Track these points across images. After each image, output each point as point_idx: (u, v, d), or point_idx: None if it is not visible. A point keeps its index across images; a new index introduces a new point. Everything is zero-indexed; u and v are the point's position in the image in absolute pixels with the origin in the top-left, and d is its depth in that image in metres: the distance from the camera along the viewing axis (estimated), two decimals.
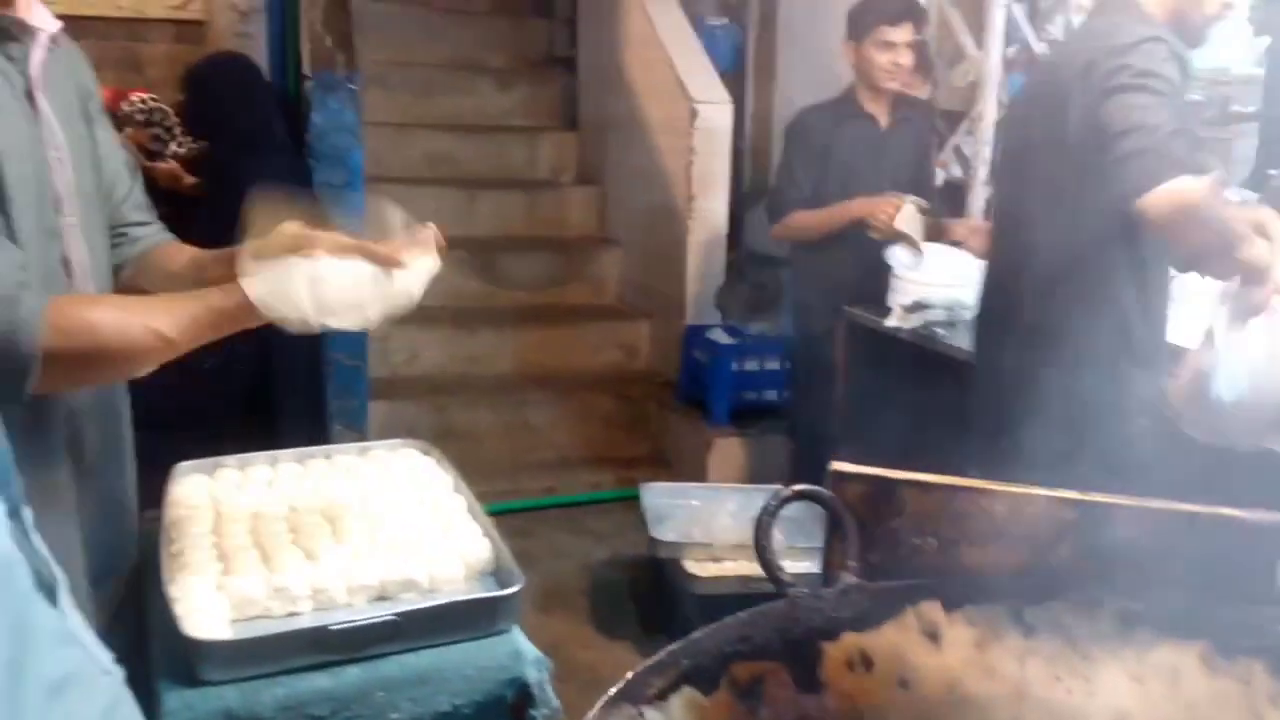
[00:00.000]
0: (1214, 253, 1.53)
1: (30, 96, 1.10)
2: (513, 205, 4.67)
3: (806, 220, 2.95)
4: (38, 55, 1.10)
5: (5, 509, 0.55)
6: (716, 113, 3.95)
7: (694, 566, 2.42)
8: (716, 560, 2.45)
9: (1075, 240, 1.85)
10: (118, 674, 0.66)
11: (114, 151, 1.30)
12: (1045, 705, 0.95)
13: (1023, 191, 1.97)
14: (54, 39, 1.14)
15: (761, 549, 0.99)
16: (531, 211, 4.70)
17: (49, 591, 0.58)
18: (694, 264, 4.01)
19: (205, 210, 2.56)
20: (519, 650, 1.13)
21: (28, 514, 0.59)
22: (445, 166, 4.68)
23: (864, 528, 1.02)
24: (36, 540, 0.59)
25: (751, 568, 2.41)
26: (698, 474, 3.66)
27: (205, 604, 1.11)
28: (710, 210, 3.99)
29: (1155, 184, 1.60)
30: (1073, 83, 1.80)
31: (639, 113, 4.38)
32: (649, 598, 2.77)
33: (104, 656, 0.65)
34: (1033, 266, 1.92)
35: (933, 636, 0.97)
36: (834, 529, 1.04)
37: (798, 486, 1.02)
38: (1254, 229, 1.50)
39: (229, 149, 2.66)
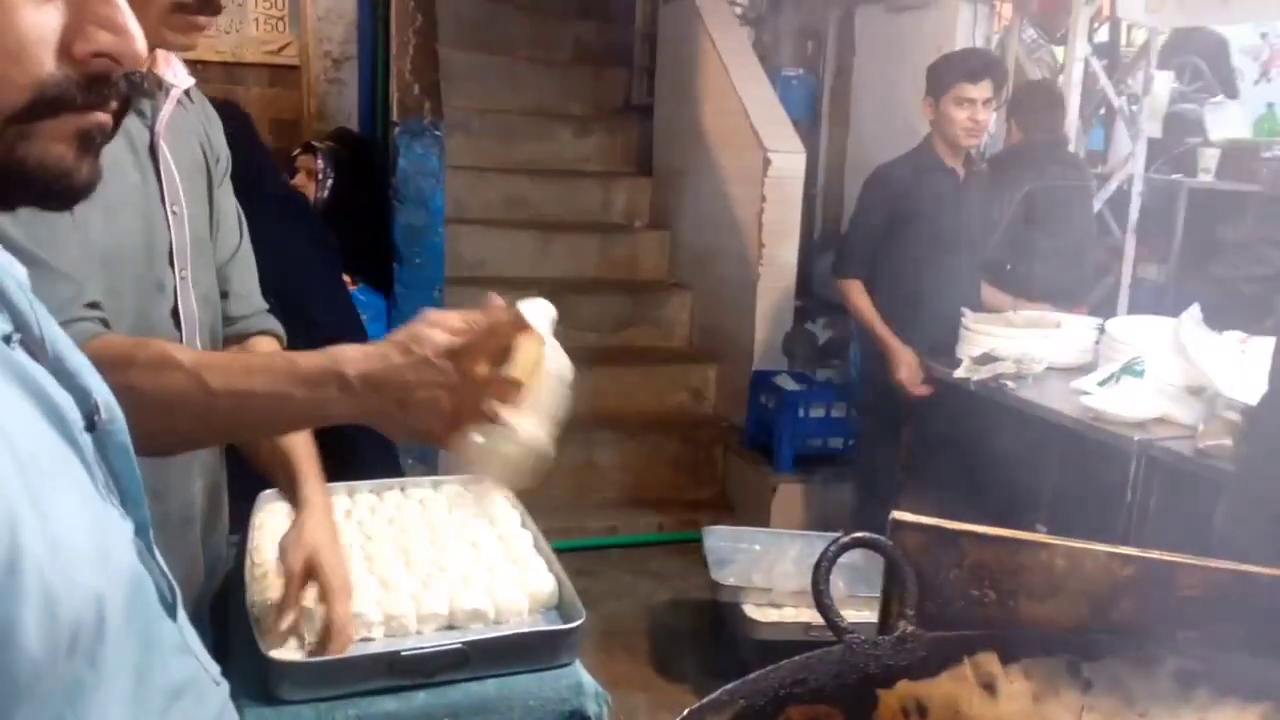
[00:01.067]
0: None
1: (153, 150, 1.13)
2: (586, 248, 4.76)
3: (858, 304, 3.00)
4: (166, 110, 1.14)
5: (133, 527, 0.61)
6: (789, 161, 4.00)
7: (754, 611, 2.43)
8: (777, 606, 2.45)
9: None
10: (225, 686, 0.71)
11: (227, 217, 1.31)
12: None
13: None
14: (187, 93, 1.19)
15: (819, 594, 1.01)
16: (604, 254, 4.78)
17: (169, 606, 0.64)
18: (763, 310, 4.04)
19: None
20: (580, 683, 1.16)
21: (151, 534, 0.64)
22: (522, 209, 4.80)
23: (922, 577, 1.04)
24: (159, 558, 0.64)
25: (812, 614, 2.41)
26: (760, 519, 3.66)
27: (285, 626, 1.17)
28: (780, 257, 4.03)
29: None
30: None
31: (713, 160, 4.45)
32: (709, 641, 2.78)
33: (214, 668, 0.70)
34: None
35: (989, 688, 0.98)
36: (892, 577, 1.06)
37: (857, 534, 1.04)
38: None
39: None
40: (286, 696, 1.11)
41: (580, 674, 1.18)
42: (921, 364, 2.82)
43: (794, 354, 3.87)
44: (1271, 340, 1.61)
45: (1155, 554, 1.01)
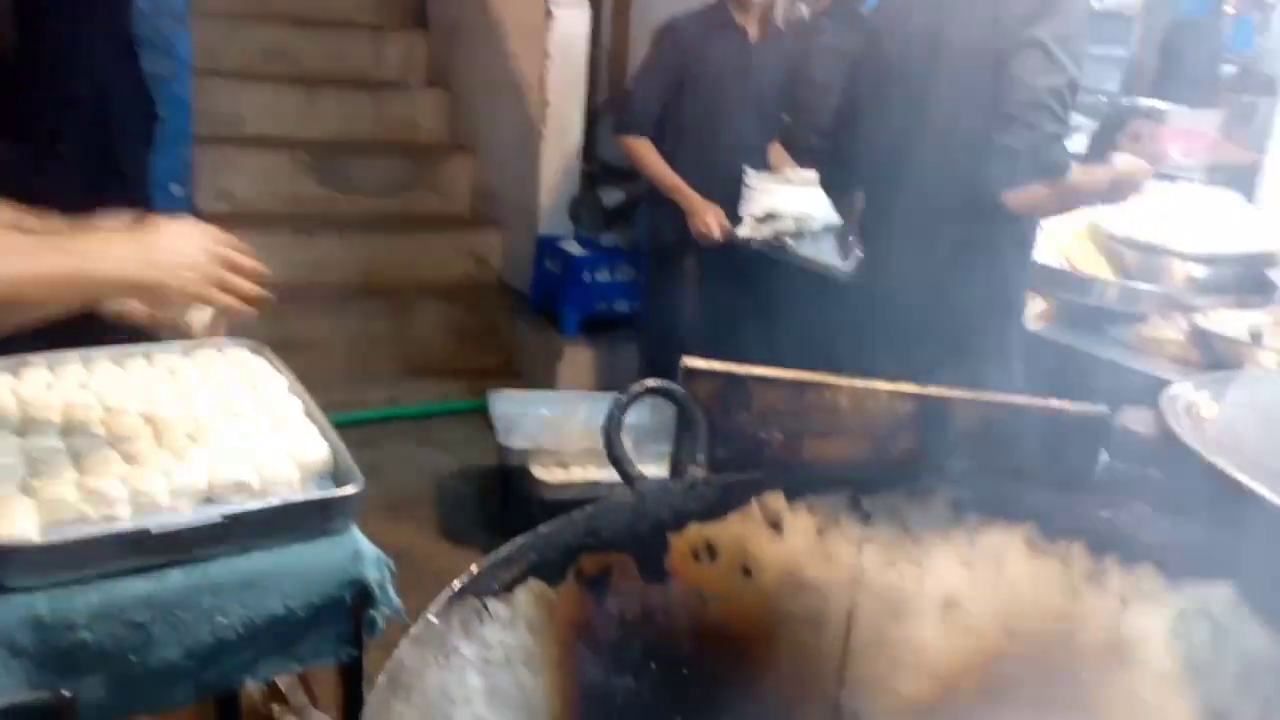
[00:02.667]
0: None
1: None
2: (357, 106, 4.44)
3: (647, 161, 2.93)
4: None
5: None
6: (573, 16, 3.84)
7: (542, 473, 2.42)
8: (564, 467, 2.45)
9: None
10: None
11: None
12: (880, 589, 0.98)
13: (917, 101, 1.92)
14: None
15: (611, 443, 0.98)
16: (377, 114, 4.49)
17: None
18: (548, 174, 3.93)
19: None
20: (358, 551, 1.09)
21: None
22: (284, 62, 4.40)
23: (712, 423, 1.03)
24: None
25: (600, 473, 2.43)
26: (548, 384, 3.65)
27: (10, 508, 1.02)
28: (565, 118, 3.91)
29: (1017, 185, 1.73)
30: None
31: (492, 13, 4.22)
32: (497, 506, 2.76)
33: None
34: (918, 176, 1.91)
35: (775, 525, 0.99)
36: (683, 424, 1.04)
37: (650, 382, 1.01)
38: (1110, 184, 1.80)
39: None
40: (14, 583, 0.98)
41: (359, 541, 1.11)
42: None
43: (580, 218, 3.81)
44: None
45: (933, 390, 1.04)
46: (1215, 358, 1.65)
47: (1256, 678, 0.85)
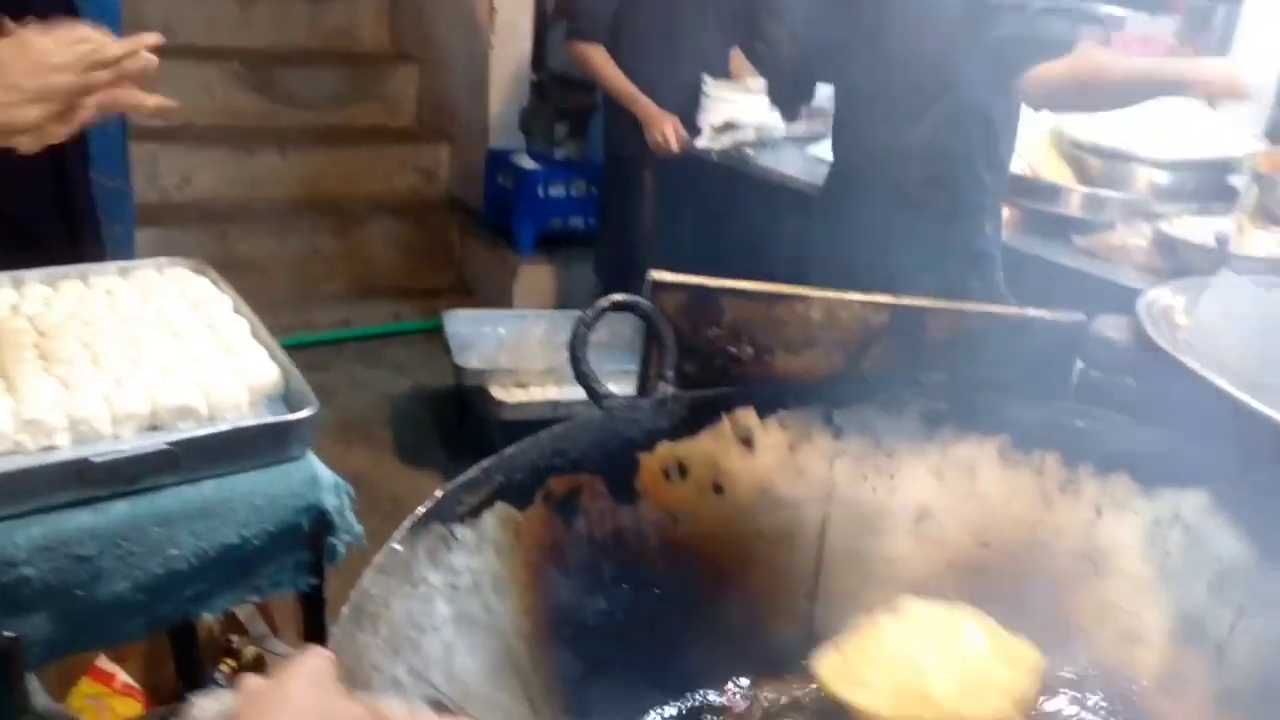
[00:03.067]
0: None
1: None
2: (293, 14, 4.25)
3: (599, 68, 2.83)
4: None
5: None
6: None
7: (500, 393, 2.38)
8: (523, 386, 2.42)
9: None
10: None
11: None
12: (852, 503, 0.97)
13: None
14: None
15: (577, 360, 0.94)
16: (315, 22, 4.30)
17: None
18: (497, 83, 3.81)
19: None
20: (315, 476, 1.05)
21: None
22: None
23: (681, 338, 0.99)
24: None
25: (559, 392, 2.40)
26: (503, 303, 3.59)
27: None
28: (514, 25, 3.77)
29: (1026, 68, 1.62)
30: None
31: None
32: (454, 427, 2.72)
33: None
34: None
35: (746, 442, 0.97)
36: (651, 340, 1.00)
37: (616, 296, 0.97)
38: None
39: None
40: None
41: (315, 466, 1.06)
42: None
43: (532, 131, 3.70)
44: None
45: (907, 300, 1.01)
46: (1180, 264, 1.65)
47: (1230, 584, 0.85)
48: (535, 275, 3.67)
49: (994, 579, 0.94)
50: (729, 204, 2.43)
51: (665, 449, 0.93)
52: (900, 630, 0.85)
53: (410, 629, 0.68)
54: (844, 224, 1.88)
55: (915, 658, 0.82)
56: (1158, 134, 1.96)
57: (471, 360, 2.48)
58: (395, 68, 4.32)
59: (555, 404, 2.34)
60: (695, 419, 0.95)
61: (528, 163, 3.62)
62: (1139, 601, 0.89)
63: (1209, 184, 1.89)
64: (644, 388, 1.01)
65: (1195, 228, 1.73)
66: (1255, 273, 1.31)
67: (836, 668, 0.84)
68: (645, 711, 0.84)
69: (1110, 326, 0.99)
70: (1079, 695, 0.89)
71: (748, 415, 0.97)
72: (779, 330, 1.00)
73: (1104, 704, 0.88)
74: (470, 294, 3.80)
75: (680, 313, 1.00)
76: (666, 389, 0.96)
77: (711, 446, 0.96)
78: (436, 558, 0.73)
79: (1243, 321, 1.00)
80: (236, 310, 1.28)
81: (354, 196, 3.97)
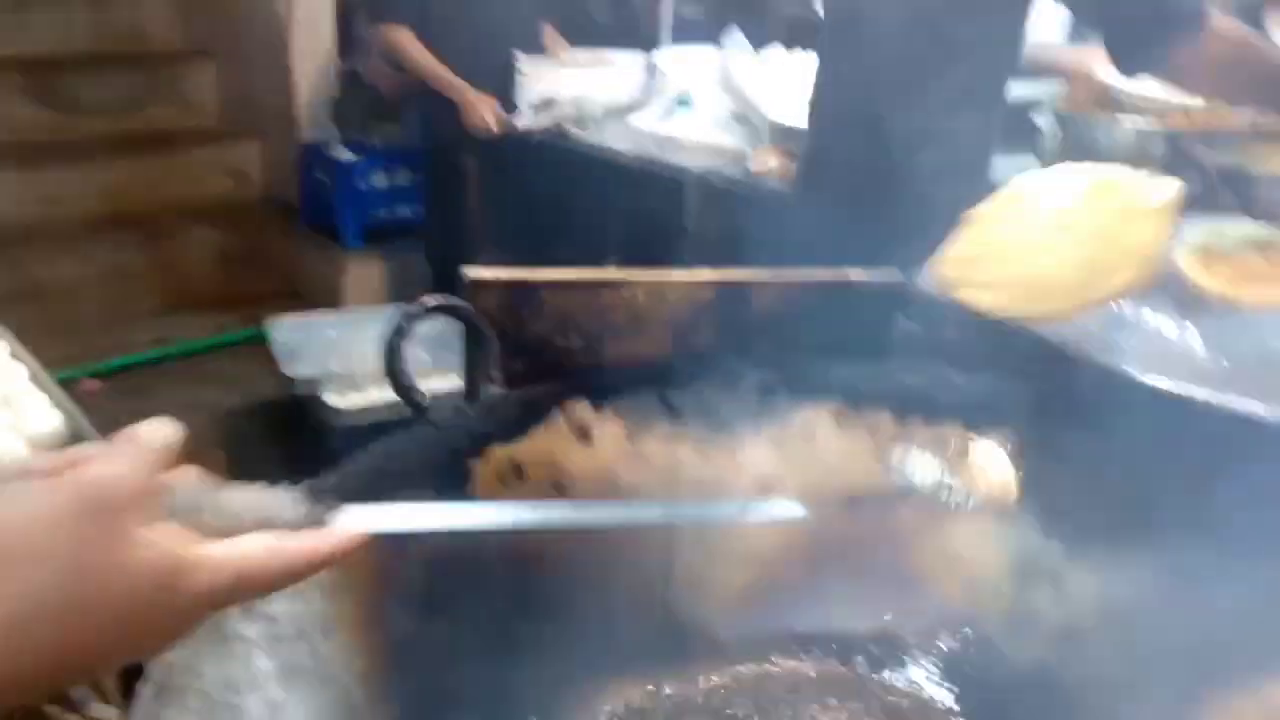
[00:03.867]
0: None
1: None
2: (72, 14, 3.94)
3: (408, 51, 2.71)
4: None
5: None
6: None
7: (335, 399, 2.27)
8: (359, 390, 2.31)
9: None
10: None
11: None
12: (697, 484, 0.95)
13: None
14: None
15: (394, 373, 0.89)
16: (97, 21, 3.99)
17: None
18: (302, 74, 3.63)
19: None
20: None
21: None
22: None
23: (504, 335, 0.95)
24: None
25: None
26: (334, 303, 3.44)
27: None
28: (313, 10, 3.60)
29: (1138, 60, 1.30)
30: None
31: None
32: (291, 440, 2.59)
33: None
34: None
35: (584, 435, 0.94)
36: (472, 341, 0.96)
37: (430, 300, 0.92)
38: None
39: None
40: None
41: None
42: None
43: (345, 120, 3.54)
44: (811, 54, 1.67)
45: (732, 274, 1.00)
46: None
47: (1060, 519, 0.88)
48: (365, 271, 3.54)
49: (840, 539, 0.94)
50: (556, 183, 2.39)
51: (498, 452, 0.89)
52: (1013, 218, 0.74)
53: (228, 693, 0.62)
54: (821, 220, 1.42)
55: (1033, 246, 0.72)
56: None
57: (301, 368, 2.36)
58: (191, 65, 4.07)
59: (397, 405, 2.24)
60: (526, 418, 0.92)
61: (344, 154, 3.47)
62: (979, 546, 0.91)
63: (1010, 125, 1.96)
64: (470, 391, 0.97)
65: (999, 167, 1.79)
66: None
67: (954, 271, 0.72)
68: None
69: (926, 281, 1.00)
70: (931, 644, 0.91)
71: (582, 408, 0.94)
72: (606, 317, 0.98)
73: (955, 649, 0.89)
74: (298, 297, 3.63)
75: (501, 309, 0.95)
76: (494, 390, 0.92)
77: (547, 444, 0.92)
78: (250, 608, 0.67)
79: None
80: (14, 355, 1.16)
81: (161, 206, 3.73)
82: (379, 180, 3.49)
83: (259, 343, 3.04)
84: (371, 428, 2.15)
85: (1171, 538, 0.81)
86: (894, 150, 1.43)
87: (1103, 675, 0.81)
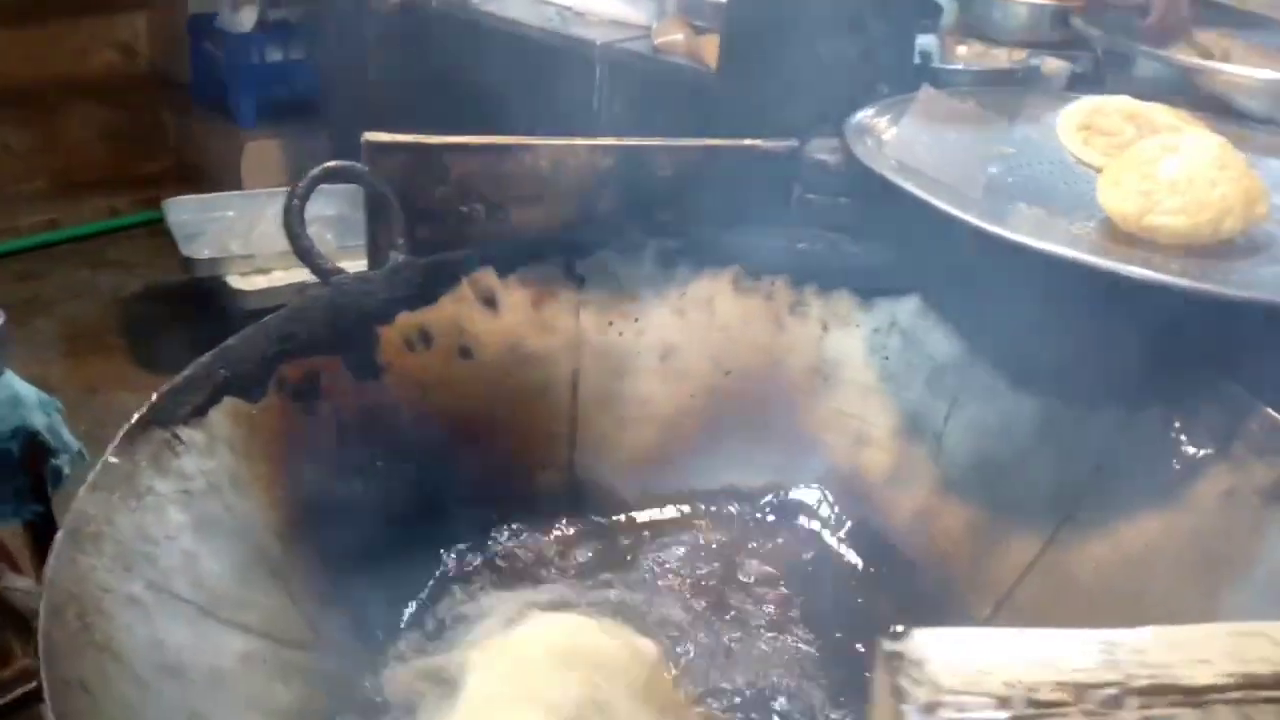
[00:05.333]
0: None
1: None
2: None
3: None
4: None
5: None
6: None
7: (239, 282, 2.23)
8: (264, 272, 2.28)
9: None
10: None
11: None
12: (601, 350, 0.98)
13: None
14: None
15: (295, 236, 0.89)
16: None
17: None
18: None
19: None
20: (16, 395, 0.95)
21: None
22: None
23: (407, 202, 0.95)
24: None
25: (304, 274, 2.28)
26: (232, 185, 3.32)
27: None
28: None
29: None
30: None
31: None
32: (194, 324, 2.55)
33: None
34: None
35: (489, 302, 0.95)
36: (374, 207, 0.96)
37: (329, 164, 0.91)
38: None
39: None
40: None
41: (15, 384, 0.96)
42: None
43: None
44: None
45: (632, 140, 1.01)
46: None
47: (943, 378, 0.93)
48: (263, 150, 3.41)
49: (737, 403, 0.99)
50: (457, 56, 2.32)
51: (405, 319, 0.91)
52: (1176, 157, 0.84)
53: (141, 542, 0.64)
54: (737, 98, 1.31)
55: (1205, 180, 0.82)
56: None
57: (202, 250, 2.31)
58: None
59: (303, 286, 2.20)
60: (433, 285, 0.93)
61: (236, 25, 3.30)
62: (866, 406, 0.97)
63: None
64: (375, 258, 0.97)
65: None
66: (955, 84, 1.38)
67: (1135, 204, 0.83)
68: (421, 583, 0.84)
69: (822, 149, 1.03)
70: (821, 498, 0.96)
71: (487, 275, 0.96)
72: (509, 184, 0.98)
73: (844, 501, 0.95)
74: (194, 180, 3.49)
75: (403, 175, 0.95)
76: (398, 257, 0.93)
77: (453, 311, 0.94)
78: (162, 464, 0.69)
79: (940, 133, 1.07)
80: None
81: (43, 80, 3.51)
82: (275, 54, 3.33)
83: (154, 225, 2.95)
84: (277, 310, 2.14)
85: (1040, 392, 0.88)
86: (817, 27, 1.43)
87: (975, 521, 0.88)
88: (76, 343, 2.53)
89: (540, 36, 2.09)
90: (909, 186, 0.86)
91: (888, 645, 0.31)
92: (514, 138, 0.98)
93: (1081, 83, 1.65)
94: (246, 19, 3.12)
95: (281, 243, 2.41)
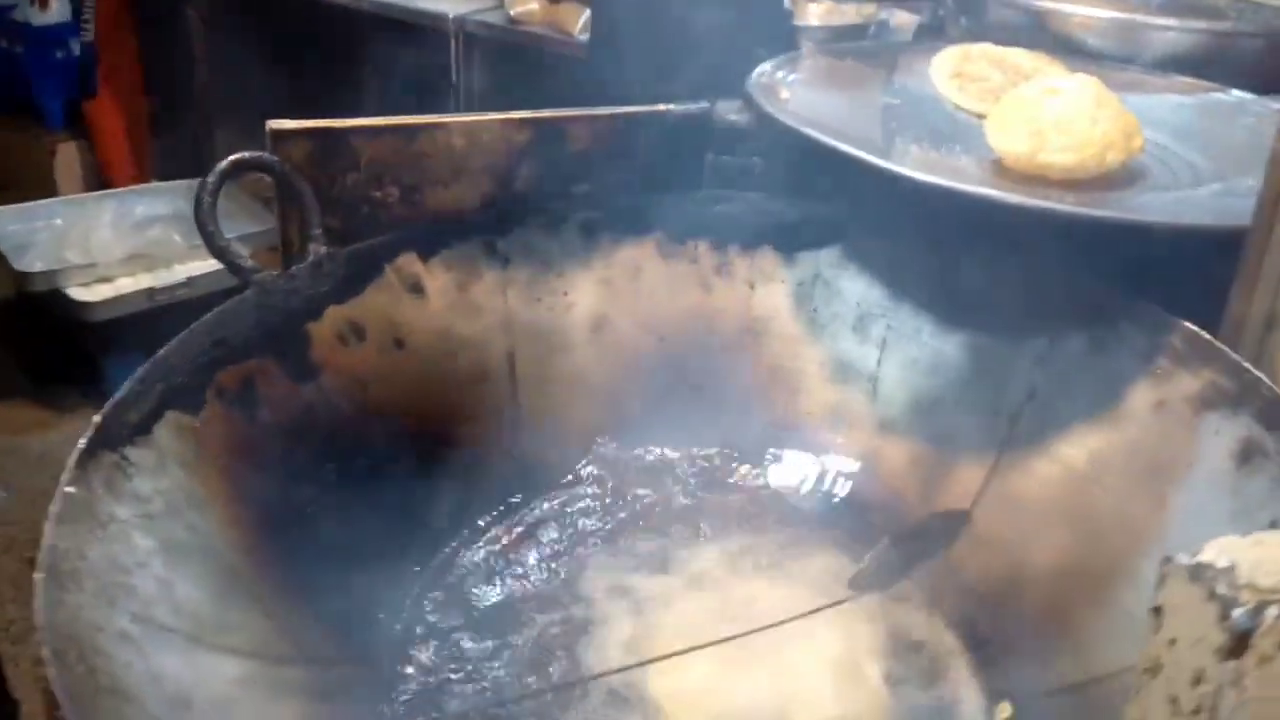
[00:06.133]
0: None
1: None
2: None
3: None
4: None
5: None
6: None
7: (82, 293, 2.07)
8: (107, 280, 2.12)
9: None
10: None
11: None
12: (532, 328, 0.97)
13: None
14: None
15: (210, 235, 0.83)
16: None
17: None
18: None
19: None
20: None
21: None
22: None
23: (317, 191, 0.91)
24: None
25: (154, 278, 2.14)
26: (46, 191, 3.07)
27: None
28: None
29: None
30: None
31: None
32: (31, 342, 2.35)
33: None
34: None
35: (416, 289, 0.93)
36: (286, 198, 0.91)
37: (237, 155, 0.86)
38: None
39: None
40: None
41: None
42: None
43: None
44: None
45: (548, 113, 0.99)
46: None
47: (870, 324, 0.97)
48: (78, 152, 3.17)
49: (673, 369, 1.00)
50: (299, 37, 2.21)
51: (333, 313, 0.87)
52: (1061, 98, 0.89)
53: (116, 573, 0.59)
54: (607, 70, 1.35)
55: (1087, 117, 0.87)
56: None
57: (35, 263, 2.13)
58: None
59: (151, 292, 2.07)
60: (357, 276, 0.90)
61: (35, 15, 3.03)
62: (799, 357, 0.99)
63: None
64: (290, 253, 0.93)
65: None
66: (821, 41, 1.42)
67: (1026, 144, 0.87)
68: (393, 584, 0.81)
69: (730, 110, 1.04)
70: (774, 454, 0.98)
71: (410, 261, 0.93)
72: (423, 165, 0.95)
73: (788, 454, 0.98)
74: (2, 188, 3.22)
75: (310, 163, 0.91)
76: (318, 249, 0.89)
77: (381, 300, 0.91)
78: (117, 489, 0.64)
79: (831, 88, 1.10)
80: None
81: None
82: (82, 45, 3.09)
83: None
84: (133, 320, 2.00)
85: (966, 328, 0.92)
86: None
87: (919, 456, 0.92)
88: None
89: (389, 13, 2.02)
90: (816, 134, 0.88)
91: (1183, 560, 0.32)
92: (425, 116, 0.95)
93: (926, 33, 1.73)
94: (52, 8, 2.87)
95: (122, 247, 2.26)
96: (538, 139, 0.98)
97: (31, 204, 2.47)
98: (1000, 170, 0.91)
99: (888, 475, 0.92)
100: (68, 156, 3.18)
